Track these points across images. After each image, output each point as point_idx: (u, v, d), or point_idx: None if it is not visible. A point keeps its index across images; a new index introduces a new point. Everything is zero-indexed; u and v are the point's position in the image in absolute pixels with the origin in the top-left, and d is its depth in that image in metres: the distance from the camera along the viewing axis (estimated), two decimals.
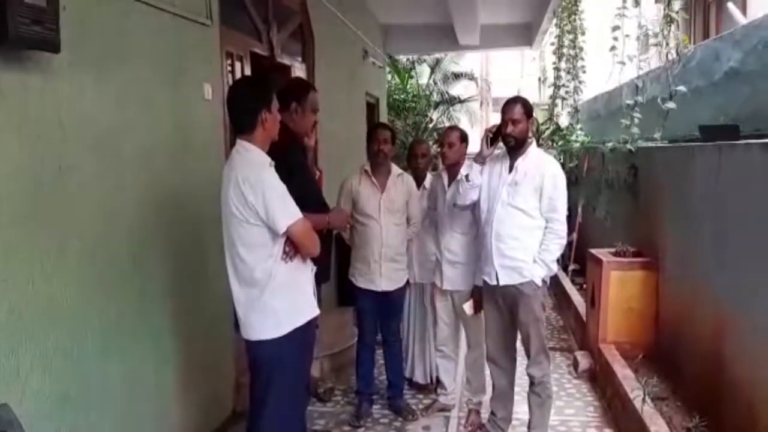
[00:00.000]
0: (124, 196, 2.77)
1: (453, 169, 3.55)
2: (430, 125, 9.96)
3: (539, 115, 8.63)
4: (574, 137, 7.76)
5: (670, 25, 3.77)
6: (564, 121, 8.62)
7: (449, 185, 3.58)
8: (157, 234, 3.00)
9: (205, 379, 3.44)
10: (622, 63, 4.72)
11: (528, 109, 3.17)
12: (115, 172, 2.71)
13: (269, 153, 2.51)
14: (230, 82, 4.04)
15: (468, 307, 3.49)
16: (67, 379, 2.38)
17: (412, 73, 10.81)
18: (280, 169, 2.49)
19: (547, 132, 8.55)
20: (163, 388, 3.07)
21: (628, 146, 4.43)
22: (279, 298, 2.43)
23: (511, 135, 3.13)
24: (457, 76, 10.81)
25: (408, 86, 10.54)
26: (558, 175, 3.15)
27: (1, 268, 2.09)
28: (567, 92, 7.78)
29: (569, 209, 6.96)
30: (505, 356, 3.39)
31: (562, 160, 8.20)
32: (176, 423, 3.17)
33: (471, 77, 11.00)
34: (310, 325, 2.55)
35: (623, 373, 3.74)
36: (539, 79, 10.97)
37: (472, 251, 3.47)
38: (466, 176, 3.25)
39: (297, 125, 2.97)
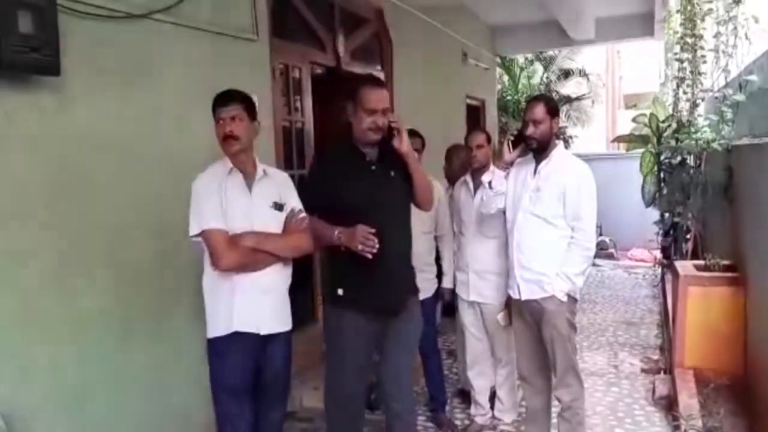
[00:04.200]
0: (154, 205, 2.98)
1: (480, 173, 3.38)
2: None
3: (660, 113, 7.87)
4: (698, 134, 6.98)
5: (737, 5, 3.23)
6: (696, 116, 7.79)
7: (476, 190, 3.41)
8: (185, 239, 3.17)
9: None
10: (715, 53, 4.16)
11: (551, 107, 2.93)
12: (140, 183, 2.92)
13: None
14: (284, 94, 4.21)
15: (502, 318, 3.30)
16: (82, 373, 2.61)
17: (528, 72, 10.38)
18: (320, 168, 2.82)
19: (669, 130, 7.75)
20: (189, 385, 3.24)
21: (715, 145, 3.89)
22: (206, 303, 2.55)
23: (532, 137, 2.91)
24: (567, 74, 10.18)
25: (520, 86, 10.14)
26: (583, 180, 2.87)
27: (13, 268, 2.36)
28: (687, 85, 6.99)
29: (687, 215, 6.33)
30: (537, 375, 3.14)
31: (688, 160, 7.43)
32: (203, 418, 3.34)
33: (583, 74, 10.29)
34: (226, 342, 2.49)
35: (687, 402, 3.30)
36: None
37: (504, 260, 3.27)
38: (489, 183, 3.08)
39: (354, 127, 2.69)
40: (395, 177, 2.65)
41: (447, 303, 3.78)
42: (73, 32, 2.57)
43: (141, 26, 2.94)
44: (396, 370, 2.76)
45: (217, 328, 2.49)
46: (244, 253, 2.43)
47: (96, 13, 2.68)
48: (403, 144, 2.60)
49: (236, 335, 2.47)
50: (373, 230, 2.43)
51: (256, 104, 2.69)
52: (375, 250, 2.42)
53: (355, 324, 2.61)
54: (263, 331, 2.51)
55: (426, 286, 3.48)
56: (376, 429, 3.75)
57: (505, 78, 10.54)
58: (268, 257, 2.50)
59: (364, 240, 2.42)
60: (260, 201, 2.56)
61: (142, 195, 2.93)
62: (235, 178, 2.53)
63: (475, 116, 8.38)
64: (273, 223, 2.56)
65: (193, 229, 2.45)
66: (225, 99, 2.54)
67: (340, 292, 2.62)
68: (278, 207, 2.59)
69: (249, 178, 2.57)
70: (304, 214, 2.66)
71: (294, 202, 2.65)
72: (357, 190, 2.58)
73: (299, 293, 2.76)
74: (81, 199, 2.64)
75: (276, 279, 2.56)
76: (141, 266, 2.92)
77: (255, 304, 2.49)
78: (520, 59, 10.68)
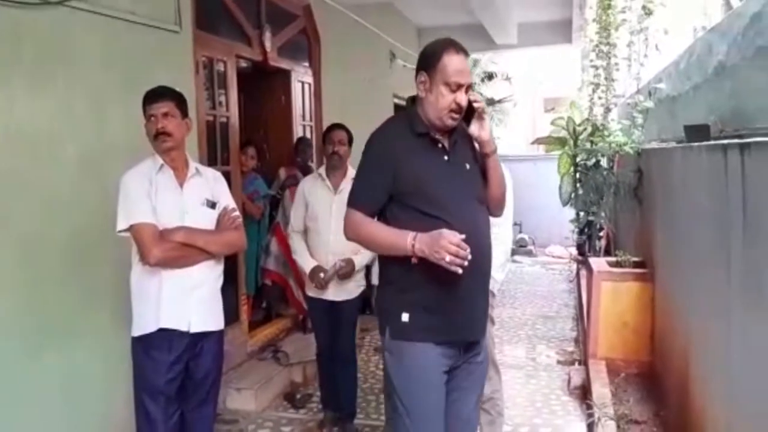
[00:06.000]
0: (65, 201, 2.84)
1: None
2: None
3: (577, 117, 8.24)
4: (611, 138, 7.36)
5: (649, 16, 3.44)
6: (609, 120, 8.21)
7: None
8: (105, 239, 3.03)
9: None
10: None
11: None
12: (54, 178, 2.79)
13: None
14: (207, 88, 4.11)
15: None
16: None
17: None
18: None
19: (584, 133, 8.12)
20: (110, 386, 3.11)
21: (626, 148, 4.13)
22: (132, 300, 2.49)
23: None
24: (491, 77, 10.50)
25: None
26: None
27: None
28: (602, 90, 7.36)
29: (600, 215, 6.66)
30: None
31: (602, 162, 7.82)
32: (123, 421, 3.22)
33: (506, 77, 10.66)
34: (152, 340, 2.43)
35: (600, 391, 3.48)
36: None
37: None
38: None
39: (425, 106, 2.03)
40: (471, 171, 2.11)
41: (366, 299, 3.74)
42: None
43: (56, 14, 2.81)
44: (468, 418, 2.18)
45: (142, 326, 2.43)
46: (174, 248, 2.39)
47: None
48: (486, 130, 2.06)
49: (163, 332, 2.42)
50: (462, 236, 1.86)
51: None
52: (467, 263, 1.85)
53: (432, 360, 2.02)
54: (192, 329, 2.46)
55: (347, 287, 3.47)
56: (301, 429, 3.74)
57: None
58: (198, 253, 2.45)
59: (457, 249, 1.83)
60: (191, 198, 2.52)
61: (57, 192, 2.80)
62: (165, 175, 2.49)
63: None
64: (205, 220, 2.53)
65: (121, 224, 2.39)
66: (156, 95, 2.48)
67: (405, 318, 2.01)
68: (210, 205, 2.56)
69: (180, 176, 2.53)
70: (237, 213, 2.62)
71: (227, 200, 2.62)
72: (430, 187, 2.00)
73: (224, 292, 2.70)
74: None
75: (206, 276, 2.52)
76: (57, 267, 2.79)
77: (183, 300, 2.44)
78: None
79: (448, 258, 1.83)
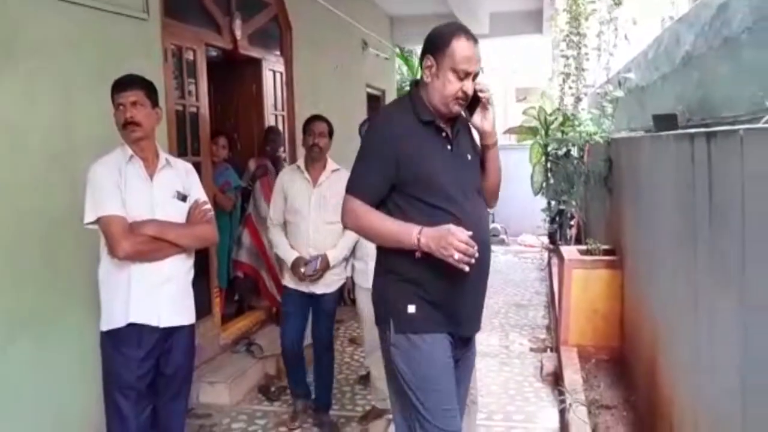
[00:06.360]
0: (36, 195, 2.76)
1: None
2: None
3: (548, 107, 8.31)
4: (581, 127, 7.45)
5: (618, 6, 3.48)
6: (579, 110, 8.31)
7: None
8: (77, 232, 2.96)
9: None
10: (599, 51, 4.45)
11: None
12: (20, 173, 2.70)
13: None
14: (176, 76, 4.03)
15: None
16: None
17: None
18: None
19: (555, 122, 8.21)
20: (84, 381, 3.06)
21: (597, 137, 4.18)
22: (101, 294, 2.42)
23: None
24: None
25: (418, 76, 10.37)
26: None
27: None
28: (572, 80, 7.43)
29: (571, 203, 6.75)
30: None
31: (572, 152, 7.92)
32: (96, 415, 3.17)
33: None
34: (121, 335, 2.36)
35: (571, 378, 3.54)
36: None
37: None
38: None
39: (430, 92, 1.96)
40: (471, 162, 2.06)
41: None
42: None
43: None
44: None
45: (111, 320, 2.37)
46: (144, 241, 2.33)
47: None
48: (489, 121, 2.02)
49: (133, 328, 2.36)
50: (469, 232, 1.80)
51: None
52: (473, 261, 1.79)
53: (442, 350, 1.97)
54: (163, 324, 2.41)
55: (327, 280, 3.45)
56: (276, 421, 3.73)
57: (404, 68, 10.70)
58: (169, 247, 2.41)
59: (466, 247, 1.78)
60: (162, 190, 2.47)
61: (26, 184, 2.71)
62: (135, 166, 2.42)
63: (375, 106, 8.45)
64: (175, 213, 2.48)
65: (89, 217, 2.32)
66: (125, 84, 2.42)
67: (411, 309, 1.94)
68: (181, 197, 2.51)
69: (150, 167, 2.47)
70: (208, 206, 2.58)
71: (198, 193, 2.57)
72: (434, 178, 1.93)
73: (196, 285, 2.66)
74: None
75: (177, 269, 2.47)
76: (28, 262, 2.72)
77: (153, 294, 2.39)
78: (419, 50, 10.87)
79: (456, 256, 1.77)
